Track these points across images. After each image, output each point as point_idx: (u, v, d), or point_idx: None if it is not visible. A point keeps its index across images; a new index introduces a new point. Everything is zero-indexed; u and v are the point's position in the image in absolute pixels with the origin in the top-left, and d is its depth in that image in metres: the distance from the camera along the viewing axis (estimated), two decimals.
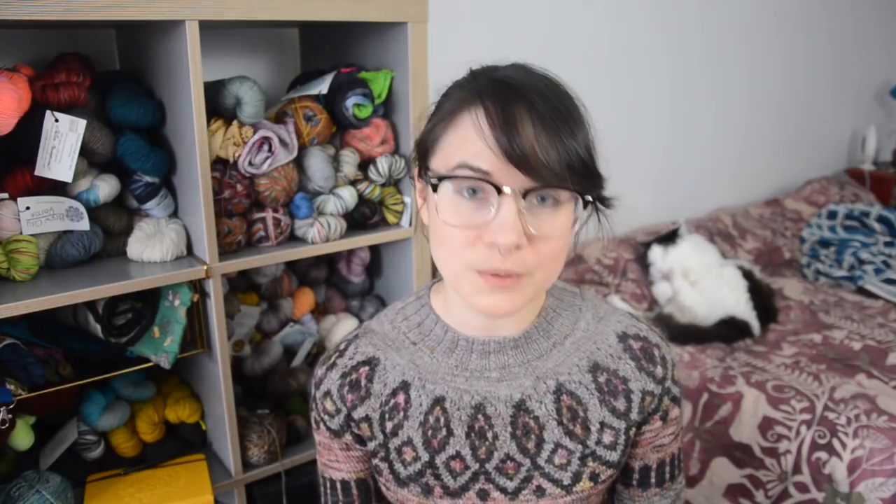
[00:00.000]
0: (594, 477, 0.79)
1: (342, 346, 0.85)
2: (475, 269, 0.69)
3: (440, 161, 0.71)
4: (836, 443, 1.55)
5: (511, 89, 0.67)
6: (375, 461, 0.82)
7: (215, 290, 1.21)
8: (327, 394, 0.83)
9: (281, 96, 1.41)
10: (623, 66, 2.36)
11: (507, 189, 0.65)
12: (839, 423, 1.58)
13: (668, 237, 2.25)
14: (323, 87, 1.31)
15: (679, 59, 2.53)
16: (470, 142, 0.67)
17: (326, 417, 0.83)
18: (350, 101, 1.33)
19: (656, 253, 2.23)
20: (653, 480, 0.86)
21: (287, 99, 1.35)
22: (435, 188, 0.69)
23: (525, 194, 0.66)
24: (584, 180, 0.68)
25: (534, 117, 0.65)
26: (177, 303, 1.23)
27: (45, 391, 1.16)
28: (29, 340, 1.15)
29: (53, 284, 1.11)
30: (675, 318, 2.11)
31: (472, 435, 0.79)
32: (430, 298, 0.84)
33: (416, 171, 0.79)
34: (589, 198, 0.69)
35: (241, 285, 1.46)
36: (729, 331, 2.05)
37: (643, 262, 2.30)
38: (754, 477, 1.65)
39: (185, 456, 1.36)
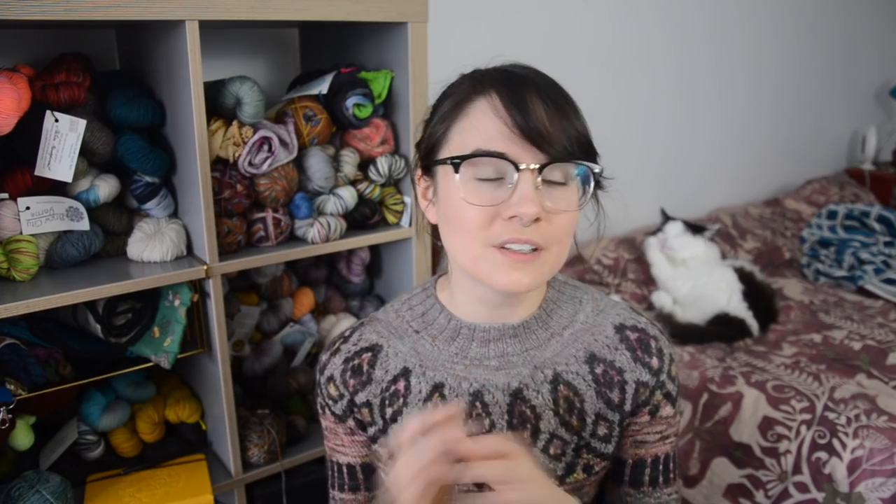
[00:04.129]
0: (588, 468, 0.80)
1: (347, 333, 0.88)
2: (495, 246, 0.71)
3: (455, 150, 0.74)
4: (836, 443, 1.55)
5: (518, 77, 0.73)
6: (375, 446, 0.84)
7: (215, 290, 1.21)
8: (331, 378, 0.85)
9: (281, 96, 1.41)
10: (623, 66, 2.36)
11: (524, 165, 0.69)
12: (839, 423, 1.58)
13: (696, 228, 2.31)
14: (323, 87, 1.32)
15: (680, 60, 2.53)
16: (484, 127, 0.71)
17: (331, 402, 0.86)
18: (350, 101, 1.33)
19: (677, 227, 2.28)
20: (626, 477, 0.85)
21: (287, 99, 1.35)
22: (456, 168, 0.71)
23: (541, 169, 0.70)
24: (588, 156, 0.73)
25: (543, 99, 0.70)
26: (177, 303, 1.23)
27: (45, 391, 1.16)
28: (29, 340, 1.15)
29: (53, 284, 1.11)
30: (675, 318, 2.11)
31: (469, 422, 0.79)
32: (436, 290, 0.86)
33: (418, 173, 0.81)
34: (597, 169, 0.73)
35: (241, 285, 1.46)
36: (728, 330, 2.05)
37: (643, 260, 2.30)
38: (754, 477, 1.65)
39: (185, 456, 1.36)
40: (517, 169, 0.69)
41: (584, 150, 0.72)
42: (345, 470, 0.89)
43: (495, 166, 0.70)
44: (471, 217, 0.71)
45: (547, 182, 0.71)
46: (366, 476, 0.89)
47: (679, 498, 0.87)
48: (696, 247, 2.26)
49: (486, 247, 0.72)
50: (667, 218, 2.35)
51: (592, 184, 0.73)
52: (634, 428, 0.83)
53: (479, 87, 0.73)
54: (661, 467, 0.84)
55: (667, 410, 0.82)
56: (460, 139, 0.73)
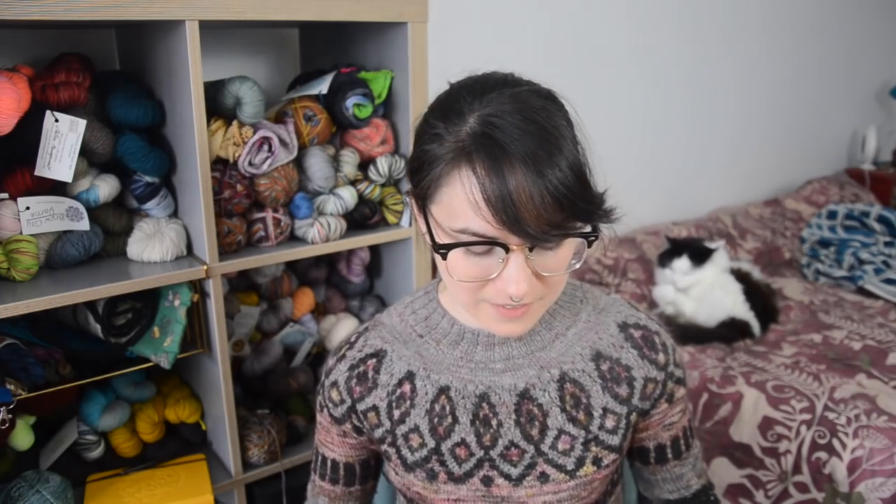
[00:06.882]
0: (597, 461, 0.81)
1: (353, 339, 0.88)
2: (489, 303, 0.71)
3: (442, 213, 0.68)
4: (836, 443, 1.55)
5: (500, 150, 0.63)
6: (384, 447, 0.85)
7: (215, 290, 1.21)
8: (334, 384, 0.86)
9: (281, 96, 1.41)
10: (623, 66, 2.36)
11: (514, 246, 0.66)
12: (839, 423, 1.58)
13: (701, 253, 2.12)
14: (323, 87, 1.32)
15: (680, 60, 2.53)
16: (471, 209, 0.65)
17: (331, 405, 0.86)
18: (350, 101, 1.33)
19: (682, 265, 2.11)
20: (670, 455, 0.90)
21: (287, 99, 1.35)
22: (444, 257, 0.68)
23: (531, 247, 0.66)
24: (587, 220, 0.68)
25: (530, 188, 0.62)
26: (177, 303, 1.23)
27: (45, 391, 1.16)
28: (29, 340, 1.15)
29: (53, 284, 1.11)
30: (675, 319, 2.11)
31: (477, 422, 0.81)
32: (438, 293, 0.87)
33: (410, 189, 0.76)
34: (594, 234, 0.69)
35: (241, 285, 1.46)
36: (730, 331, 2.05)
37: (643, 259, 2.30)
38: (754, 477, 1.65)
39: (185, 456, 1.36)
40: (507, 250, 0.66)
41: (581, 216, 0.66)
42: (328, 463, 0.91)
43: (485, 245, 0.67)
44: (461, 281, 0.70)
45: (539, 248, 0.67)
46: (346, 473, 0.90)
47: (699, 447, 0.94)
48: (702, 275, 2.11)
49: (478, 301, 0.72)
50: (674, 247, 2.17)
51: (586, 245, 0.70)
52: (658, 417, 0.86)
53: (458, 160, 0.65)
54: (688, 433, 0.90)
55: (680, 392, 0.87)
56: (447, 207, 0.67)
